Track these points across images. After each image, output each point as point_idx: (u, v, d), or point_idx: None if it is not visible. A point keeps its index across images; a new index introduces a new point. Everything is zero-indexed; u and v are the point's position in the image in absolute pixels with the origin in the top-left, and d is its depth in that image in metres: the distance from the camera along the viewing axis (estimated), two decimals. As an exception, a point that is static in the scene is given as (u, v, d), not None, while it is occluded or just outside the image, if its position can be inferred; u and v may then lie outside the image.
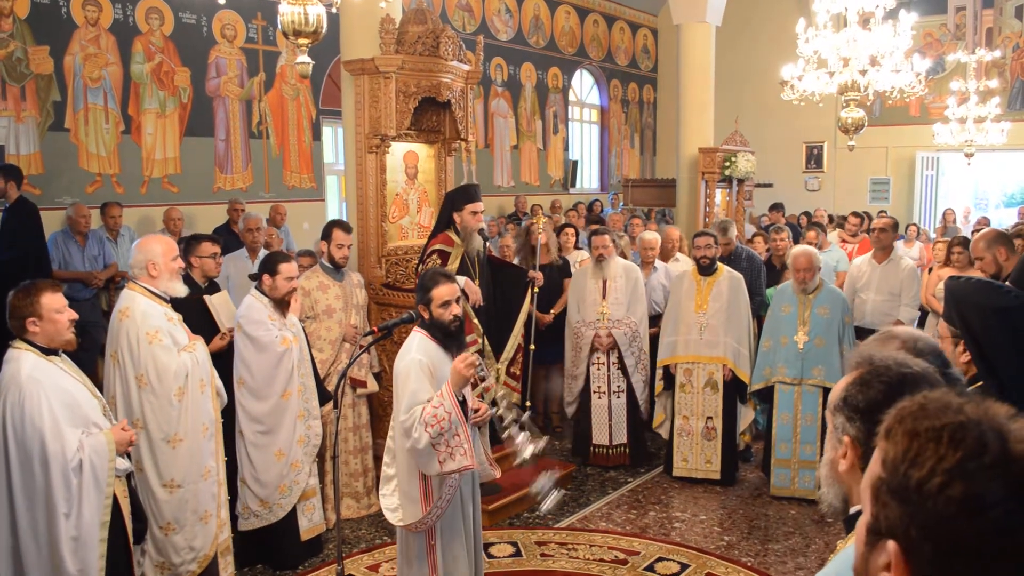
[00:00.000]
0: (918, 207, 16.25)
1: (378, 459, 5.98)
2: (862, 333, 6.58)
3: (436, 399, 3.56)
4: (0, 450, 3.48)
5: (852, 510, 1.87)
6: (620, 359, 6.81)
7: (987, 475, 1.01)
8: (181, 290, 4.41)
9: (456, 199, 5.97)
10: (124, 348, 4.18)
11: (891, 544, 1.07)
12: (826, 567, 1.84)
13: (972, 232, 10.30)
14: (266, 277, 5.00)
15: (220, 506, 4.51)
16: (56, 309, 3.57)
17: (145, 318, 4.19)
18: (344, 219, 6.94)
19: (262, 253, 7.02)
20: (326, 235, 5.78)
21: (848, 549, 1.75)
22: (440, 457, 3.57)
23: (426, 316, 3.81)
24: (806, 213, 13.40)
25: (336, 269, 5.79)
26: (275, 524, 5.06)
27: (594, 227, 10.29)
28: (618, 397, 6.88)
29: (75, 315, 3.69)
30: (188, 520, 4.32)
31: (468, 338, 5.67)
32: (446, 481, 3.72)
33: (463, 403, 3.68)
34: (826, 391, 5.95)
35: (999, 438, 1.04)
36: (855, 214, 10.66)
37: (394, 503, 3.84)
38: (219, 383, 4.55)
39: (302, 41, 3.18)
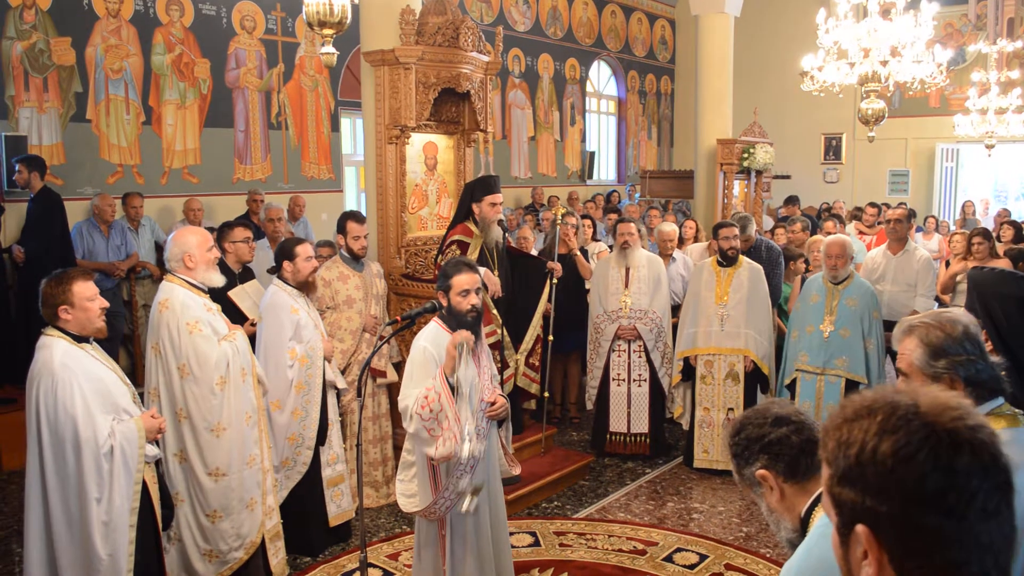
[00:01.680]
0: (937, 199, 16.14)
1: (397, 448, 6.04)
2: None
3: (429, 382, 3.63)
4: (33, 436, 3.54)
5: (802, 511, 2.12)
6: (643, 348, 6.82)
7: (907, 425, 1.14)
8: (218, 280, 4.45)
9: (475, 190, 5.99)
10: (165, 339, 4.22)
11: (859, 528, 1.15)
12: (799, 549, 1.91)
13: (994, 224, 10.23)
14: (286, 263, 5.06)
15: (267, 493, 4.55)
16: (88, 297, 3.61)
17: (184, 309, 4.23)
18: (359, 210, 6.96)
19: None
20: (341, 228, 5.83)
21: (820, 520, 1.93)
22: (436, 442, 3.63)
23: (444, 303, 3.83)
24: (827, 207, 13.33)
25: (355, 259, 5.83)
26: (303, 510, 5.10)
27: (612, 216, 10.31)
28: (639, 386, 6.87)
29: (106, 303, 3.73)
30: (234, 508, 4.36)
31: (487, 329, 5.69)
32: (453, 472, 3.74)
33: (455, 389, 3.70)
34: (848, 382, 5.93)
35: (909, 398, 1.18)
36: (872, 205, 10.61)
37: (412, 489, 3.87)
38: (260, 371, 4.59)
39: (327, 31, 3.20)
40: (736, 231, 6.58)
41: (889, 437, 1.13)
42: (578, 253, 7.60)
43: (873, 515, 1.13)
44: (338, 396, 5.36)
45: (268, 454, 4.60)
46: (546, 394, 6.57)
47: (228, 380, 4.29)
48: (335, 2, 3.19)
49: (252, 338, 5.07)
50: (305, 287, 5.13)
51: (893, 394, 1.20)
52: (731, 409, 6.54)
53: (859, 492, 1.15)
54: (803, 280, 6.66)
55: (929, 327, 2.30)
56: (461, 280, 3.79)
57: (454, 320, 3.83)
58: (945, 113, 14.93)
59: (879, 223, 10.39)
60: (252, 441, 4.43)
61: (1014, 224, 8.45)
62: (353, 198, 11.85)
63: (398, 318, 3.87)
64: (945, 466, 1.10)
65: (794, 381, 6.21)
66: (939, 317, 2.34)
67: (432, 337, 3.80)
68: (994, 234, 9.05)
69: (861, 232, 9.99)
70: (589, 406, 7.20)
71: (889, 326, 6.61)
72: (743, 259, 6.60)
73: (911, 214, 7.02)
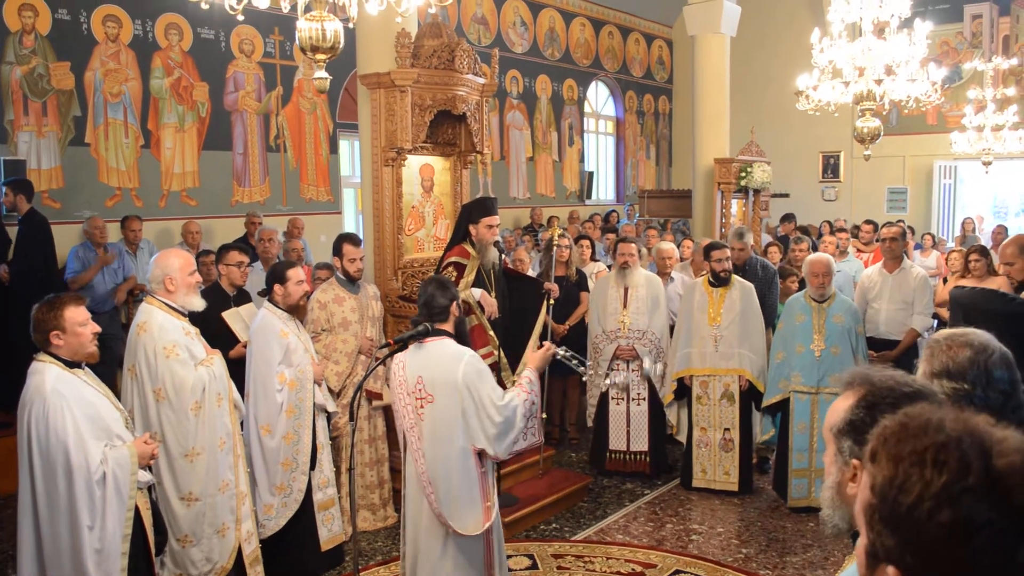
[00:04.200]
0: (936, 216, 16.15)
1: (394, 471, 6.01)
2: (876, 344, 6.53)
3: (527, 385, 3.89)
4: (25, 462, 3.52)
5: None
6: (641, 368, 6.80)
7: (973, 497, 1.01)
8: (199, 304, 4.44)
9: (473, 212, 6.00)
10: (142, 362, 4.22)
11: (891, 570, 1.08)
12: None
13: (991, 240, 10.20)
14: (277, 287, 5.04)
15: (242, 519, 4.52)
16: (79, 322, 3.61)
17: (162, 332, 4.23)
18: (356, 232, 6.97)
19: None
20: (337, 251, 5.83)
21: (852, 568, 1.77)
22: (518, 436, 3.89)
23: (456, 315, 3.95)
24: (834, 229, 13.32)
25: (351, 282, 5.83)
26: (296, 534, 5.07)
27: (611, 236, 10.33)
28: (638, 404, 6.86)
29: (98, 328, 3.73)
30: (205, 533, 4.35)
31: (483, 350, 5.68)
32: (492, 479, 3.94)
33: None
34: None
35: (982, 455, 1.04)
36: (868, 222, 10.60)
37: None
38: (237, 396, 4.58)
39: (320, 57, 3.21)
40: (727, 253, 6.58)
41: (950, 508, 1.01)
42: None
43: (911, 570, 1.06)
44: (328, 419, 5.33)
45: (244, 479, 4.57)
46: (543, 415, 6.54)
47: (203, 405, 4.29)
48: (328, 27, 3.20)
49: (243, 359, 5.07)
50: (295, 311, 5.11)
51: (968, 437, 1.06)
52: (727, 429, 6.51)
53: (901, 543, 1.07)
54: None
55: (937, 348, 2.21)
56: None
57: (463, 329, 4.07)
58: (942, 130, 14.95)
59: (876, 240, 10.38)
60: (227, 467, 4.41)
61: None
62: (352, 220, 11.88)
63: (390, 341, 3.88)
64: (1003, 551, 1.00)
65: (784, 401, 6.20)
66: (954, 339, 2.22)
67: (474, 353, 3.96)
68: (994, 251, 9.05)
69: (859, 250, 9.98)
70: (589, 424, 7.18)
71: (886, 344, 6.64)
72: (734, 278, 6.61)
73: (906, 232, 7.00)
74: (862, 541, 1.16)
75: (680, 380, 6.63)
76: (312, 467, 5.07)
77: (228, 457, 4.42)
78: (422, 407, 3.79)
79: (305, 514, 5.10)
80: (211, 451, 4.32)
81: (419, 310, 3.91)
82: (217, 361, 4.43)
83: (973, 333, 2.26)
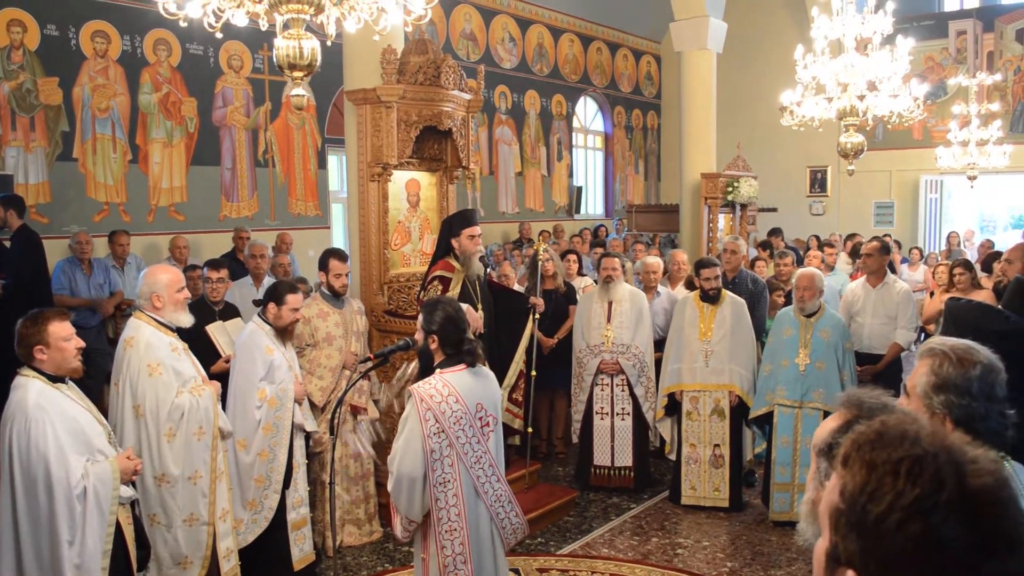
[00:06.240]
0: (923, 230, 16.27)
1: (380, 485, 6.00)
2: (860, 358, 6.56)
3: None
4: (6, 477, 3.52)
5: None
6: (626, 382, 6.82)
7: (944, 513, 1.01)
8: (186, 320, 4.43)
9: (454, 225, 6.03)
10: (126, 377, 4.22)
11: (850, 573, 1.09)
12: None
13: (977, 254, 10.25)
14: (271, 306, 5.04)
15: (222, 536, 4.47)
16: (63, 337, 3.61)
17: (148, 349, 4.22)
18: (342, 248, 6.99)
19: (267, 280, 7.09)
20: (323, 266, 5.83)
21: None
22: None
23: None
24: (819, 240, 13.39)
25: (336, 297, 5.83)
26: (269, 552, 5.03)
27: (598, 251, 10.36)
28: (622, 419, 6.87)
29: (82, 343, 3.73)
30: (164, 560, 4.33)
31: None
32: None
33: None
34: (827, 414, 5.93)
35: (956, 472, 1.04)
36: (856, 235, 10.68)
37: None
38: (225, 423, 4.52)
39: (297, 74, 3.24)
40: (717, 271, 6.59)
41: (920, 521, 1.02)
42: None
43: (871, 574, 1.06)
44: (307, 439, 5.32)
45: (226, 496, 4.52)
46: (530, 429, 6.55)
47: (177, 434, 4.24)
48: (304, 45, 3.23)
49: (225, 374, 5.06)
50: (283, 333, 5.10)
51: (944, 453, 1.06)
52: (717, 445, 6.52)
53: (866, 550, 1.06)
54: None
55: (945, 358, 2.18)
56: None
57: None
58: (928, 145, 15.07)
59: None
60: (198, 500, 4.34)
61: None
62: (340, 234, 11.88)
63: (370, 356, 3.87)
64: (969, 568, 1.01)
65: (769, 415, 6.22)
66: (961, 351, 2.20)
67: None
68: (979, 265, 9.12)
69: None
70: (574, 440, 7.19)
71: (870, 358, 6.67)
72: (726, 293, 6.63)
73: (885, 247, 7.03)
74: (822, 543, 1.16)
75: (671, 396, 6.65)
76: (286, 486, 5.05)
77: (201, 490, 4.36)
78: (484, 432, 3.66)
79: (278, 532, 5.06)
80: (182, 482, 4.28)
81: (457, 337, 3.68)
82: (207, 394, 4.38)
83: (982, 350, 2.24)
